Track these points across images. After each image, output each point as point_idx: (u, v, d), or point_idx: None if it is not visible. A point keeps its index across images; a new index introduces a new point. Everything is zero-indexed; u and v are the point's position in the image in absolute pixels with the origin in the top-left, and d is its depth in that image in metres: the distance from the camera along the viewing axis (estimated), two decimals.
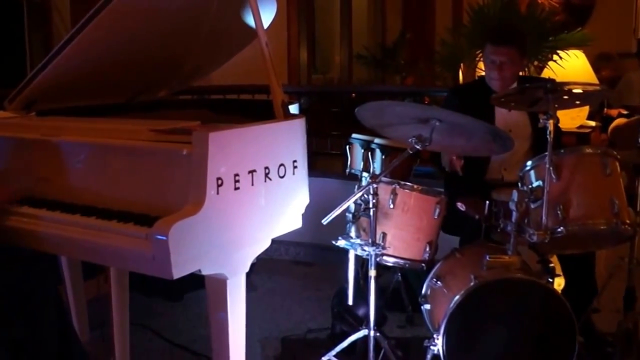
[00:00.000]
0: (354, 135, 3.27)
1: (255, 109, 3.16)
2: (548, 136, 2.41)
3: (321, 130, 5.33)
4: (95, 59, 2.71)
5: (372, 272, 2.62)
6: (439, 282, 2.71)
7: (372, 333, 2.71)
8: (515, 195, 2.45)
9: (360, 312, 3.10)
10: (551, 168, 2.46)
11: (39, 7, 6.35)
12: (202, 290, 3.87)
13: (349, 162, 3.30)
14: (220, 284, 2.20)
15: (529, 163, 2.60)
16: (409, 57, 10.11)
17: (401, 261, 2.78)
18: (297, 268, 4.70)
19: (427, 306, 2.79)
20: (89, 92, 2.99)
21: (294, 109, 2.73)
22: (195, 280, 2.12)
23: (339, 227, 2.54)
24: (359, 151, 3.19)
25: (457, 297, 2.44)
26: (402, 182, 2.74)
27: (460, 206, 2.80)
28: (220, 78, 3.77)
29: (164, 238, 1.89)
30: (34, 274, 2.26)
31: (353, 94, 6.58)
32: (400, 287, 3.65)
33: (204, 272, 2.11)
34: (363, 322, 2.87)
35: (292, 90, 5.83)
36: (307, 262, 4.80)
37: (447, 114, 2.48)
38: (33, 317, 2.21)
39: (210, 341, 3.26)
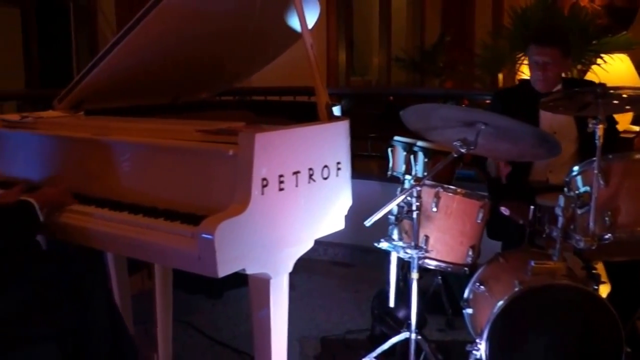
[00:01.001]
0: (396, 138, 3.27)
1: (296, 110, 3.18)
2: (597, 141, 2.38)
3: (359, 133, 5.33)
4: (141, 60, 2.76)
5: (414, 275, 2.62)
6: (482, 287, 2.69)
7: (413, 336, 2.71)
8: (561, 200, 2.42)
9: (401, 314, 3.10)
10: (599, 174, 2.42)
11: (85, 9, 6.48)
12: (242, 289, 3.97)
13: (390, 165, 3.30)
14: (263, 283, 2.22)
15: (576, 168, 2.56)
16: (447, 60, 10.06)
17: (443, 265, 2.77)
18: (336, 269, 4.71)
19: (469, 310, 2.77)
20: (135, 92, 3.05)
21: (336, 110, 2.74)
22: (235, 279, 2.13)
23: (378, 228, 2.53)
24: (401, 154, 3.18)
25: (501, 303, 2.42)
26: (446, 186, 2.73)
27: (504, 210, 2.78)
28: (260, 79, 3.79)
29: (210, 237, 1.91)
30: (84, 269, 2.31)
31: (391, 97, 6.58)
32: (441, 290, 3.64)
33: (248, 272, 2.13)
34: (404, 324, 2.87)
35: (330, 92, 5.84)
36: (346, 263, 4.81)
37: (494, 117, 2.46)
38: (85, 309, 2.25)
39: (250, 338, 3.29)
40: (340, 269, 4.73)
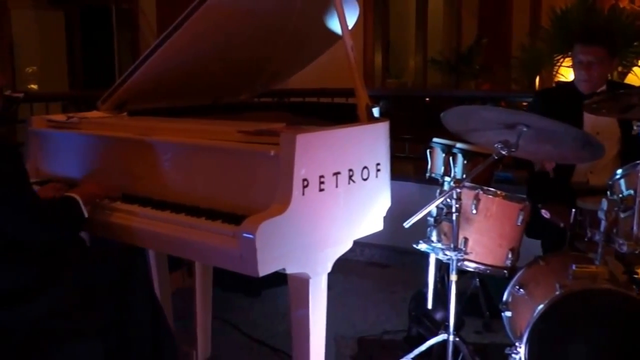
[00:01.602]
0: (434, 140, 3.25)
1: (334, 112, 3.19)
2: None
3: (394, 134, 5.31)
4: (183, 62, 2.79)
5: (453, 277, 2.62)
6: (521, 290, 2.67)
7: (451, 338, 2.70)
8: (604, 204, 2.39)
9: (438, 316, 3.09)
10: None
11: (127, 11, 6.58)
12: (279, 287, 4.00)
13: (429, 166, 3.29)
14: (302, 282, 2.24)
15: (620, 171, 2.53)
16: (484, 62, 9.99)
17: (482, 267, 2.76)
18: (372, 269, 4.72)
19: (508, 313, 2.75)
20: (177, 93, 3.09)
21: (375, 112, 2.75)
22: (274, 277, 2.14)
23: (415, 230, 2.53)
24: (439, 155, 3.17)
25: (541, 306, 2.41)
26: (485, 188, 2.72)
27: (545, 213, 2.76)
28: (298, 81, 3.81)
29: (252, 236, 1.94)
30: (127, 265, 2.34)
31: (427, 99, 6.56)
32: (478, 292, 3.61)
33: (288, 271, 2.16)
34: (441, 326, 2.87)
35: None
36: (382, 264, 4.81)
37: (535, 119, 2.44)
38: (127, 305, 2.30)
39: (288, 337, 3.31)
40: (377, 269, 4.73)
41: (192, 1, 2.53)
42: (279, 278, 2.21)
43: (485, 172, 2.86)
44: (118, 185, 2.55)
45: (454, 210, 2.54)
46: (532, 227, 2.87)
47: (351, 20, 2.90)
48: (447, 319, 2.74)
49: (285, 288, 3.94)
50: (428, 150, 3.25)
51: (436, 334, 2.83)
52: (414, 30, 10.85)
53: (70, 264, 2.27)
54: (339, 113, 2.92)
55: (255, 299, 4.04)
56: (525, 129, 2.43)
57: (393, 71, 10.77)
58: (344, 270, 4.30)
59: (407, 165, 5.33)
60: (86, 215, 2.33)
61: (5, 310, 2.06)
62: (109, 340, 2.25)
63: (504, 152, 2.44)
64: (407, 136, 5.18)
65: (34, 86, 6.58)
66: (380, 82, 8.66)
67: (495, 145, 2.46)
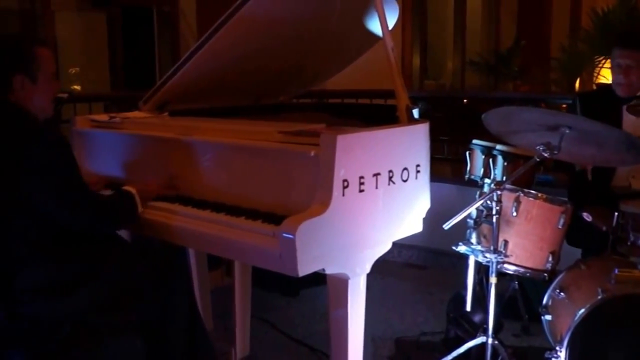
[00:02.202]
0: (474, 141, 3.23)
1: (373, 113, 3.20)
2: None
3: (431, 135, 5.28)
4: (223, 63, 2.82)
5: (493, 280, 2.60)
6: (562, 294, 2.64)
7: (490, 341, 2.68)
8: None
9: (477, 318, 3.07)
10: None
11: (168, 13, 6.64)
12: (317, 287, 4.02)
13: (468, 168, 3.27)
14: (341, 283, 2.24)
15: None
16: (522, 64, 9.89)
17: (522, 270, 2.73)
18: (410, 271, 4.71)
19: (548, 317, 2.72)
20: (217, 94, 3.12)
21: (414, 113, 2.74)
22: (311, 277, 2.14)
23: (453, 232, 2.52)
24: (479, 157, 3.15)
25: (582, 311, 2.38)
26: (526, 190, 2.70)
27: (587, 217, 2.73)
28: (336, 82, 3.82)
29: (292, 237, 1.94)
30: (167, 263, 2.38)
31: (465, 100, 6.52)
32: (517, 295, 3.58)
33: (327, 272, 2.16)
34: (479, 328, 2.85)
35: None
36: (419, 265, 4.80)
37: (579, 121, 2.41)
38: (167, 302, 2.33)
39: (325, 337, 3.32)
40: (414, 271, 4.72)
41: (232, 4, 2.55)
42: (317, 278, 2.22)
43: (526, 175, 2.84)
44: (173, 186, 2.58)
45: (494, 212, 2.52)
46: (573, 234, 2.83)
47: (391, 21, 2.90)
48: (486, 321, 2.72)
49: (323, 288, 3.96)
50: (467, 152, 3.23)
51: (475, 337, 2.81)
52: (452, 32, 10.78)
53: (112, 260, 2.30)
54: (378, 114, 2.92)
55: (293, 298, 4.07)
56: (567, 131, 2.40)
57: (431, 73, 10.71)
58: (382, 271, 4.29)
59: (445, 166, 5.31)
60: (140, 209, 2.39)
61: (50, 303, 2.11)
62: (149, 337, 2.28)
63: (546, 155, 2.42)
64: (444, 137, 5.17)
65: (77, 87, 6.70)
66: (418, 83, 8.63)
67: (537, 147, 2.43)
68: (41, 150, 2.12)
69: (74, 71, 6.82)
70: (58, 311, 2.12)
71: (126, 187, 2.42)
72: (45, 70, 2.27)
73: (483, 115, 2.57)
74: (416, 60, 8.34)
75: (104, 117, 3.00)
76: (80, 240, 2.27)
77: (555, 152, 2.41)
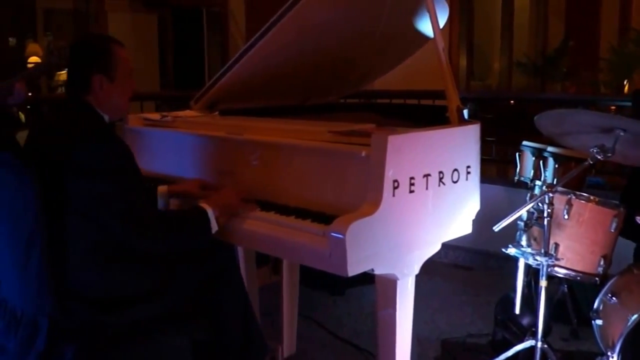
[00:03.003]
0: (524, 143, 3.20)
1: (422, 113, 3.18)
2: None
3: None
4: (273, 63, 2.84)
5: (543, 283, 2.57)
6: (614, 298, 2.60)
7: (539, 344, 2.65)
8: None
9: (525, 321, 3.04)
10: None
11: (217, 14, 6.71)
12: (364, 287, 4.03)
13: (517, 170, 3.24)
14: (390, 283, 2.24)
15: None
16: (571, 65, 9.74)
17: (573, 273, 2.70)
18: (456, 272, 4.68)
19: (599, 322, 2.68)
20: (266, 94, 3.15)
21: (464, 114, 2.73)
22: (358, 276, 2.12)
23: (501, 233, 2.50)
24: (529, 159, 3.11)
25: (635, 316, 2.33)
26: (578, 193, 2.66)
27: None
28: (383, 83, 3.82)
29: (342, 236, 1.94)
30: (220, 261, 2.40)
31: (512, 101, 6.47)
32: (566, 299, 3.53)
33: (377, 272, 2.15)
34: (527, 332, 2.82)
35: None
36: (466, 267, 4.77)
37: (634, 123, 2.37)
38: (220, 300, 2.35)
39: (372, 336, 3.33)
40: (461, 272, 4.69)
41: (281, 4, 2.57)
42: (364, 277, 2.21)
43: (577, 177, 2.81)
44: (253, 197, 2.45)
45: (545, 215, 2.49)
46: (627, 231, 2.78)
47: (441, 21, 2.88)
48: (535, 324, 2.69)
49: (369, 287, 3.99)
50: (517, 154, 3.21)
51: (523, 340, 2.78)
52: (499, 33, 10.67)
53: (165, 264, 2.28)
54: (427, 115, 2.91)
55: (339, 297, 4.08)
56: (622, 133, 2.36)
57: (477, 73, 10.63)
58: (428, 272, 4.26)
59: (490, 167, 5.26)
60: (214, 229, 2.24)
61: (104, 306, 2.11)
62: (200, 334, 2.30)
63: (599, 157, 2.38)
64: (490, 139, 5.13)
65: None
66: (464, 84, 8.57)
67: (591, 149, 2.40)
68: (95, 154, 2.09)
69: None
70: (109, 315, 2.13)
71: (202, 203, 2.25)
72: (122, 69, 2.26)
73: (536, 117, 2.54)
74: (463, 61, 8.28)
75: (156, 116, 3.04)
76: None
77: (609, 154, 2.37)
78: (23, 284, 2.13)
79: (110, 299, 2.13)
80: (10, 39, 7.83)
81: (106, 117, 2.28)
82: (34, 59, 7.43)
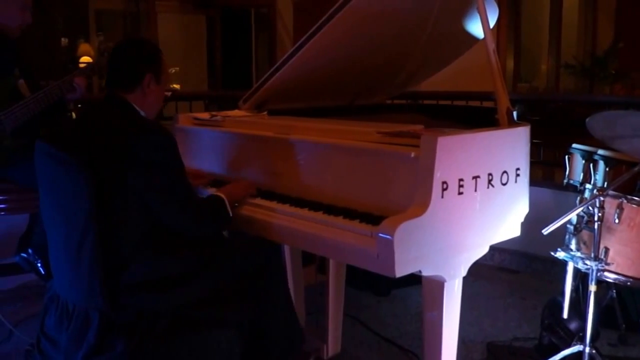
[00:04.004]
0: (574, 145, 3.16)
1: (470, 114, 3.16)
2: None
3: None
4: (321, 64, 2.86)
5: (593, 287, 2.54)
6: None
7: (587, 349, 2.62)
8: None
9: (573, 326, 3.00)
10: None
11: (265, 15, 6.76)
12: (409, 288, 4.02)
13: (567, 172, 3.19)
14: (437, 285, 2.24)
15: None
16: (620, 67, 9.55)
17: (623, 278, 2.66)
18: (502, 274, 4.64)
19: None
20: (314, 94, 3.17)
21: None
22: (404, 278, 2.11)
23: (548, 237, 2.48)
24: (579, 162, 3.07)
25: None
26: (630, 197, 2.62)
27: None
28: (430, 83, 3.81)
29: (390, 237, 1.94)
30: (264, 259, 2.42)
31: (559, 103, 6.38)
32: (614, 304, 3.48)
33: (424, 274, 2.15)
34: (575, 336, 2.79)
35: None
36: (512, 270, 4.72)
37: None
38: (264, 298, 2.37)
39: (416, 337, 3.33)
40: (506, 275, 4.65)
41: (328, 6, 2.58)
42: (409, 278, 2.20)
43: (629, 181, 2.76)
44: (257, 183, 2.63)
45: (595, 219, 2.46)
46: None
47: (491, 21, 2.87)
48: (583, 329, 2.66)
49: (415, 288, 4.00)
50: (567, 156, 3.16)
51: (570, 345, 2.75)
52: (547, 34, 10.51)
53: (211, 256, 2.34)
54: (475, 116, 2.90)
55: (384, 297, 4.08)
56: None
57: (524, 75, 10.49)
58: (473, 274, 4.24)
59: (537, 170, 5.20)
60: (231, 215, 2.42)
61: (153, 296, 2.17)
62: (244, 332, 2.32)
63: None
64: (537, 141, 5.07)
65: (176, 86, 6.93)
66: (511, 86, 8.48)
67: None
68: (151, 145, 2.17)
69: (173, 70, 7.07)
70: (159, 304, 2.18)
71: (217, 192, 2.47)
72: (165, 73, 2.42)
73: (587, 119, 2.51)
74: (510, 63, 8.19)
75: (205, 115, 3.09)
76: (182, 236, 2.32)
77: None
78: (75, 278, 2.18)
79: (159, 287, 2.19)
80: (63, 39, 8.02)
81: (143, 114, 2.37)
82: (85, 58, 7.58)
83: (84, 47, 7.99)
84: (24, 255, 3.01)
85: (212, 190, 2.59)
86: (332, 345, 3.18)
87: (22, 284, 3.57)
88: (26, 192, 2.97)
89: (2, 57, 3.07)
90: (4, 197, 3.14)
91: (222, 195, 2.43)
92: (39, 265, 2.97)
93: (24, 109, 3.00)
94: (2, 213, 3.24)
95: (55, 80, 3.21)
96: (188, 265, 2.27)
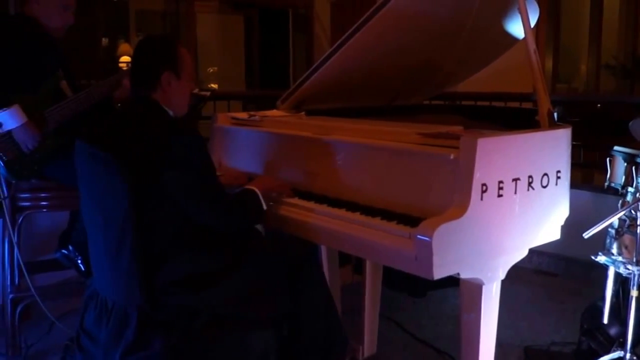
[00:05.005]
0: (616, 148, 3.10)
1: (509, 116, 3.13)
2: None
3: None
4: (359, 65, 2.86)
5: (634, 292, 2.50)
6: None
7: (628, 355, 2.58)
8: None
9: (613, 331, 2.95)
10: None
11: (303, 16, 6.78)
12: (445, 289, 3.99)
13: (608, 175, 3.14)
14: (475, 288, 2.23)
15: None
16: None
17: None
18: (540, 277, 4.58)
19: None
20: (352, 94, 3.17)
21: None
22: (440, 279, 2.09)
23: (587, 240, 2.44)
24: (621, 164, 3.01)
25: None
26: None
27: None
28: (468, 84, 3.78)
29: (428, 239, 1.93)
30: (301, 258, 2.42)
31: (599, 105, 6.27)
32: None
33: (462, 276, 2.13)
34: (615, 342, 2.74)
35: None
36: (550, 273, 4.66)
37: None
38: (301, 297, 2.37)
39: (452, 339, 3.31)
40: (544, 278, 4.59)
41: (366, 7, 2.58)
42: (446, 280, 2.17)
43: None
44: (295, 183, 2.64)
45: (638, 222, 2.42)
46: None
47: (532, 21, 2.84)
48: (624, 335, 2.61)
49: (451, 290, 3.97)
50: (608, 159, 3.11)
51: (610, 350, 2.71)
52: (587, 33, 10.34)
53: (249, 254, 2.35)
54: (515, 117, 2.87)
55: (420, 299, 4.06)
56: None
57: (563, 76, 10.34)
58: (510, 276, 4.20)
59: (577, 172, 5.12)
60: (265, 207, 2.44)
61: (190, 294, 2.19)
62: (282, 330, 2.33)
63: None
64: (576, 143, 5.00)
65: (214, 85, 6.99)
66: (550, 86, 8.35)
67: None
68: (182, 146, 2.19)
69: (212, 70, 7.13)
70: (196, 302, 2.19)
71: (249, 186, 2.47)
72: (187, 69, 2.39)
73: (631, 123, 2.47)
74: (548, 63, 8.07)
75: (243, 115, 3.11)
76: (218, 234, 2.34)
77: None
78: (114, 276, 2.22)
79: (196, 284, 2.21)
80: (103, 39, 8.14)
81: (171, 114, 2.38)
82: (125, 58, 7.71)
83: (124, 47, 8.11)
84: (65, 251, 3.06)
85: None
86: (368, 346, 3.18)
87: (62, 280, 3.62)
88: (67, 190, 3.02)
89: (47, 57, 3.12)
90: (46, 195, 3.20)
91: (255, 188, 2.45)
92: (79, 262, 3.01)
93: (66, 109, 3.06)
94: (44, 210, 3.31)
95: (95, 80, 3.27)
96: (225, 261, 2.29)
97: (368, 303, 3.10)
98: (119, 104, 3.19)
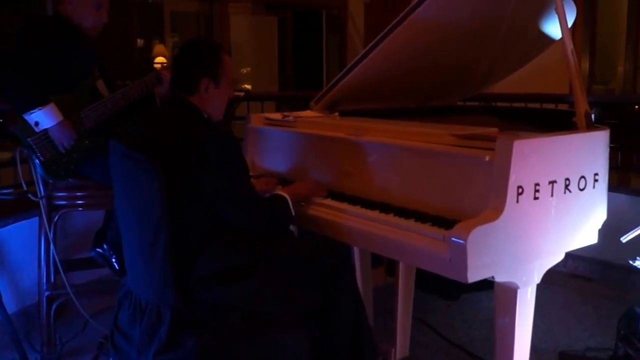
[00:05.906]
0: None
1: (545, 117, 3.09)
2: None
3: None
4: (393, 65, 2.84)
5: None
6: None
7: None
8: None
9: None
10: None
11: (336, 17, 6.79)
12: (479, 293, 3.95)
13: None
14: (510, 292, 2.19)
15: None
16: None
17: None
18: (575, 282, 4.51)
19: None
20: (386, 95, 3.15)
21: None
22: (473, 283, 2.06)
23: (625, 244, 2.39)
24: None
25: None
26: None
27: None
28: (503, 85, 3.74)
29: (463, 242, 1.92)
30: (334, 259, 2.40)
31: (637, 106, 6.16)
32: None
33: (497, 280, 2.11)
34: None
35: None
36: (586, 277, 4.58)
37: None
38: (334, 298, 2.36)
39: (485, 343, 3.28)
40: (580, 282, 4.51)
41: (399, 8, 2.56)
42: (479, 283, 2.14)
43: None
44: (328, 184, 2.64)
45: None
46: None
47: (569, 22, 2.79)
48: None
49: (484, 293, 3.94)
50: None
51: None
52: (625, 34, 10.16)
53: (282, 253, 2.35)
54: (550, 119, 2.83)
55: (453, 302, 4.04)
56: None
57: (599, 77, 10.18)
58: (545, 280, 4.14)
59: (613, 175, 5.04)
60: (293, 214, 2.45)
61: (223, 289, 2.20)
62: (313, 331, 2.33)
63: None
64: (613, 145, 4.92)
65: (248, 86, 7.04)
66: (586, 88, 8.23)
67: None
68: (217, 148, 2.21)
69: (245, 71, 7.17)
70: (229, 296, 2.20)
71: (280, 192, 2.49)
72: (227, 76, 2.41)
73: None
74: (585, 65, 7.95)
75: (277, 116, 3.11)
76: (251, 231, 2.35)
77: None
78: (148, 275, 2.23)
79: (228, 279, 2.22)
80: (139, 40, 8.24)
81: (207, 116, 2.40)
82: (160, 59, 7.80)
83: (158, 48, 8.20)
84: (100, 250, 3.10)
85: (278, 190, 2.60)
86: (400, 348, 3.15)
87: (97, 278, 3.67)
88: (103, 189, 3.05)
89: (84, 57, 3.16)
90: (82, 194, 3.24)
91: (285, 195, 2.46)
92: (114, 260, 3.05)
93: (102, 108, 3.09)
94: (80, 209, 3.35)
95: (131, 80, 3.30)
96: (257, 257, 2.29)
97: (400, 305, 3.08)
98: (160, 101, 3.21)
